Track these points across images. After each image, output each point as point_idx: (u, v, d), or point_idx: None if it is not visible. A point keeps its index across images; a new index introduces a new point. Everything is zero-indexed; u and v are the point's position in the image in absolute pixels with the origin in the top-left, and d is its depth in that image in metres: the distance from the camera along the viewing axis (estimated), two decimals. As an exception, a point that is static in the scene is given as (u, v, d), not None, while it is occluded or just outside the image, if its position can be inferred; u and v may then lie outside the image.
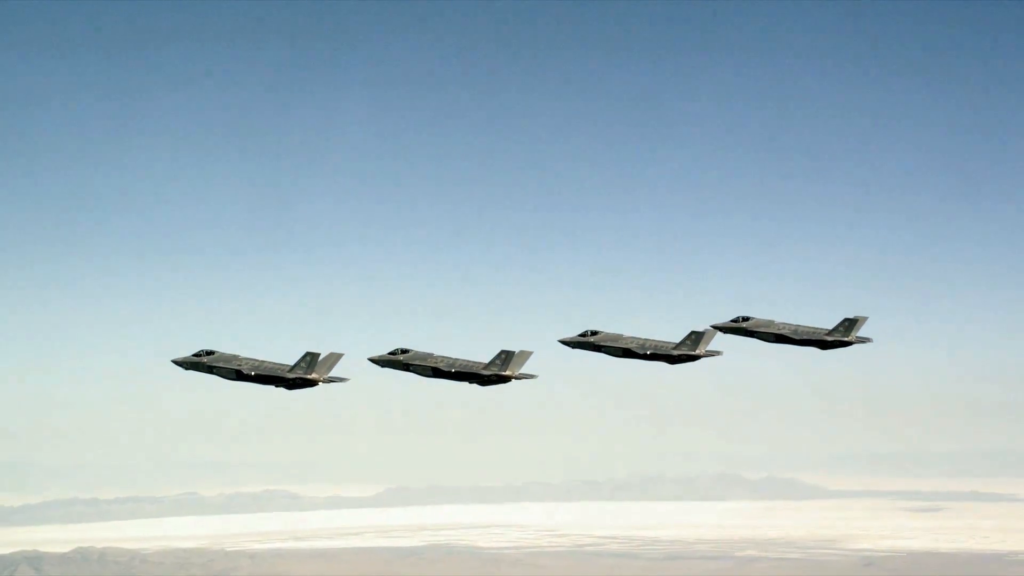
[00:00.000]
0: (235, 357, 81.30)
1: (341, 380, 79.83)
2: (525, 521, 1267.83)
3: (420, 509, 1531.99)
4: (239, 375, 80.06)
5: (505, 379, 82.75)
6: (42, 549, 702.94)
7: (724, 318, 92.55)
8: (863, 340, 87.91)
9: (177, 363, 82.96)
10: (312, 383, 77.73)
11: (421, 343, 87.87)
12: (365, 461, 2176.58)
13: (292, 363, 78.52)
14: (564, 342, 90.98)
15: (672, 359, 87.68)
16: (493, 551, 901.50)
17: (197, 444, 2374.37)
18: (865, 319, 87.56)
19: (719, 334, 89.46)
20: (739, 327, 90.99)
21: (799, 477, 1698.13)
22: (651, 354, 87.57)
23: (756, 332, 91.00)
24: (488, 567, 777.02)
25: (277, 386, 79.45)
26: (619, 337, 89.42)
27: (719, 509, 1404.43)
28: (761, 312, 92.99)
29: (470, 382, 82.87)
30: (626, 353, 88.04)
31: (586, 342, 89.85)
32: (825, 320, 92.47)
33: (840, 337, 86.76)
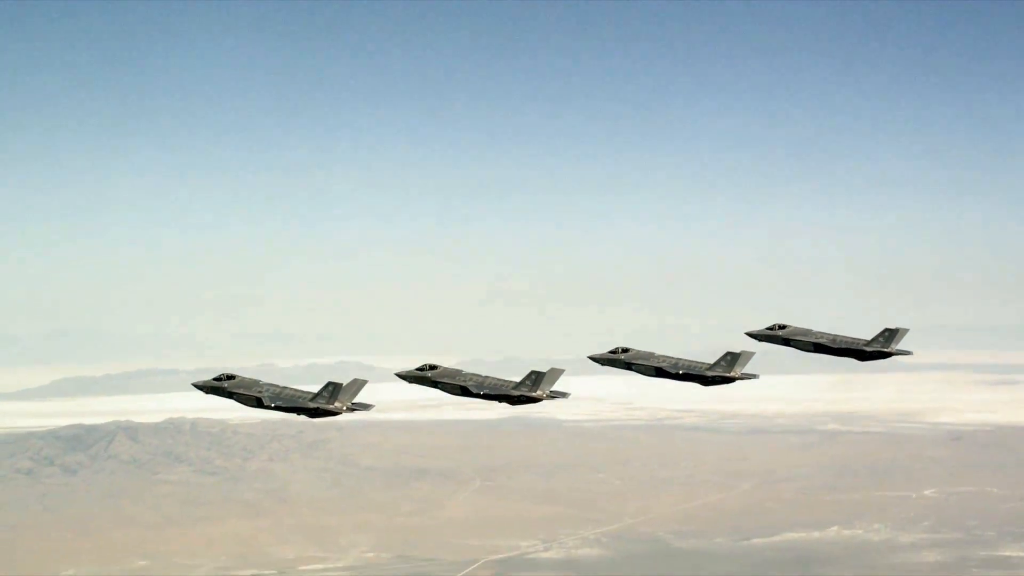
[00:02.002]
0: (256, 383, 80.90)
1: (365, 407, 77.31)
2: (601, 394, 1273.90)
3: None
4: (259, 403, 77.67)
5: (535, 399, 79.92)
6: (135, 419, 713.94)
7: (760, 325, 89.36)
8: (903, 352, 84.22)
9: (197, 387, 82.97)
10: (334, 413, 76.18)
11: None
12: (438, 333, 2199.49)
13: (315, 391, 76.86)
14: (594, 359, 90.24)
15: (706, 380, 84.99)
16: (573, 424, 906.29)
17: (270, 316, 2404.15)
18: (906, 331, 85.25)
19: (753, 359, 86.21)
20: (775, 335, 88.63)
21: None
22: (684, 374, 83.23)
23: (793, 340, 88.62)
24: (571, 439, 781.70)
25: (299, 414, 77.79)
26: (651, 355, 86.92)
27: (793, 382, 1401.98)
28: (797, 321, 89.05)
29: (499, 401, 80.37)
30: (658, 372, 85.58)
31: (616, 359, 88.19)
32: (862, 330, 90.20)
33: (880, 348, 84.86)
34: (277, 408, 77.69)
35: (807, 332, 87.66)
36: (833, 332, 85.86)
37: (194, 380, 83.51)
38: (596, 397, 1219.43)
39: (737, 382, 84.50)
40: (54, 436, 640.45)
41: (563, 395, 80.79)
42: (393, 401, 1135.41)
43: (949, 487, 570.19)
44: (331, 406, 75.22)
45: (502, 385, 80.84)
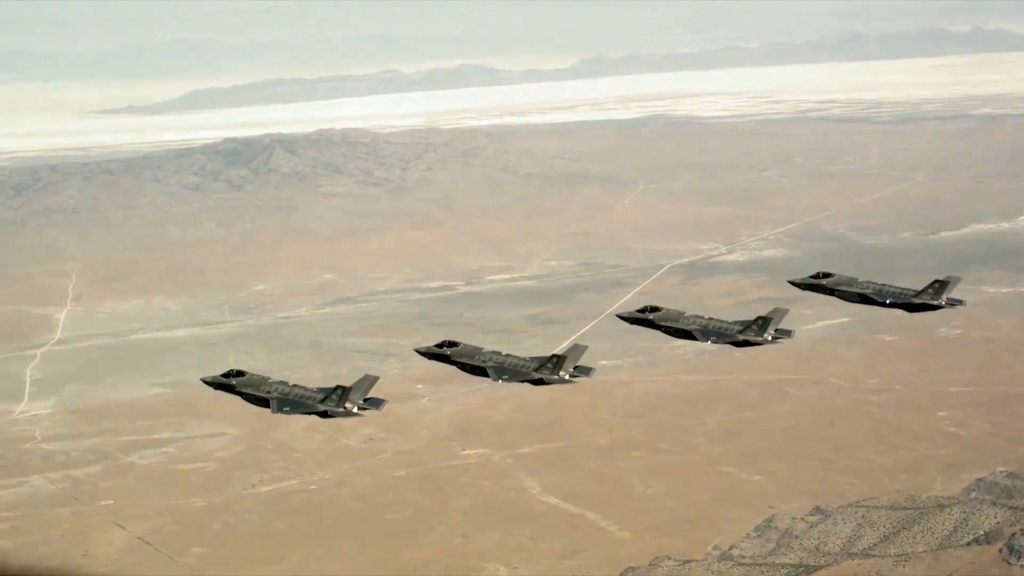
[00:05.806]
0: (264, 381, 77.62)
1: (376, 405, 74.43)
2: (734, 88, 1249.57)
3: (622, 79, 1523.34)
4: (267, 404, 76.26)
5: (555, 382, 75.94)
6: (285, 131, 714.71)
7: (803, 274, 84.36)
8: (955, 303, 78.63)
9: (206, 382, 79.75)
10: (344, 415, 73.55)
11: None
12: (558, 31, 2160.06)
13: (324, 393, 74.46)
14: (621, 317, 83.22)
15: (738, 343, 79.46)
16: (715, 120, 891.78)
17: (389, 18, 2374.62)
18: (958, 280, 78.88)
19: (789, 312, 79.63)
20: (818, 284, 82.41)
21: (1008, 27, 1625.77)
22: (714, 340, 78.95)
23: (836, 290, 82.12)
24: (721, 137, 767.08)
25: (308, 415, 74.84)
26: (680, 316, 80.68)
27: (930, 66, 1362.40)
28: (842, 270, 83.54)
29: (520, 382, 76.35)
30: (687, 335, 79.63)
31: (644, 319, 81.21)
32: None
33: (929, 300, 77.72)
34: (285, 413, 74.63)
35: (852, 282, 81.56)
36: (880, 282, 79.94)
37: (203, 377, 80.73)
38: (732, 92, 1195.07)
39: (771, 344, 79.68)
40: (213, 151, 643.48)
41: (586, 371, 76.49)
42: (532, 103, 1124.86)
43: None
44: (340, 408, 73.19)
45: (521, 366, 76.56)
